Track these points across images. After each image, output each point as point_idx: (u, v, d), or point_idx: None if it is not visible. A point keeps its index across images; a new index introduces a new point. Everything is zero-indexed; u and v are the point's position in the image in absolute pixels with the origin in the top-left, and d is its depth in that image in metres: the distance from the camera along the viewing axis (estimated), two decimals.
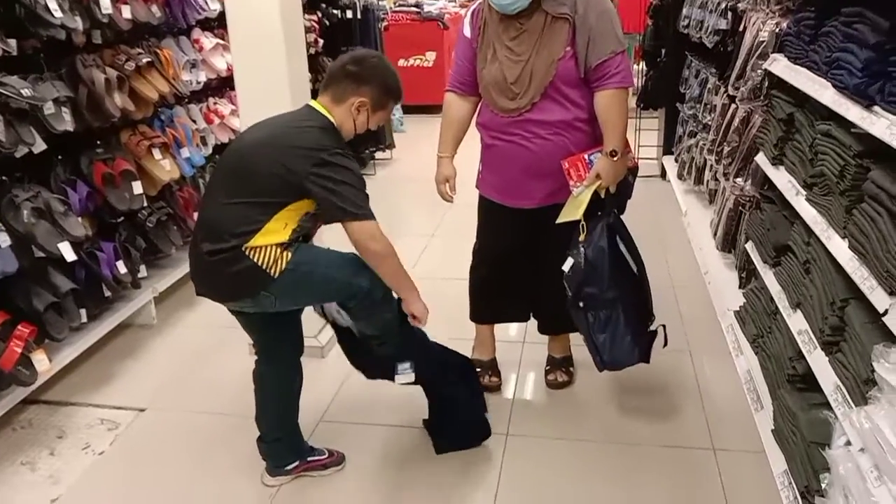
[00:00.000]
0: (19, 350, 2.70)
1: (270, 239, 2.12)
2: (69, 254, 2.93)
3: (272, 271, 2.11)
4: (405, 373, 2.44)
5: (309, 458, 2.50)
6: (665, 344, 2.70)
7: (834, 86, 2.16)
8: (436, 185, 2.78)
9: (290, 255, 2.13)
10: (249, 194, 2.12)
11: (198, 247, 2.19)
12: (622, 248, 2.59)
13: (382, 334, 2.36)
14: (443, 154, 2.76)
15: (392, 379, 2.46)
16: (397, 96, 2.34)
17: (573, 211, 2.55)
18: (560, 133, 2.55)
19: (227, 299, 2.26)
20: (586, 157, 2.54)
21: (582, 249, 2.54)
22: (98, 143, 3.38)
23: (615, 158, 2.50)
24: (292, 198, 2.12)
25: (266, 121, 2.28)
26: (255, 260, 2.10)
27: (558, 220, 2.59)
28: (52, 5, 2.92)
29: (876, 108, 1.89)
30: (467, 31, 2.64)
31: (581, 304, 2.58)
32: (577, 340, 3.04)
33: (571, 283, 2.59)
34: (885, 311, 1.71)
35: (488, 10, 2.56)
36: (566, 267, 2.59)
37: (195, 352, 3.37)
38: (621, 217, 2.65)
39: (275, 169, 2.10)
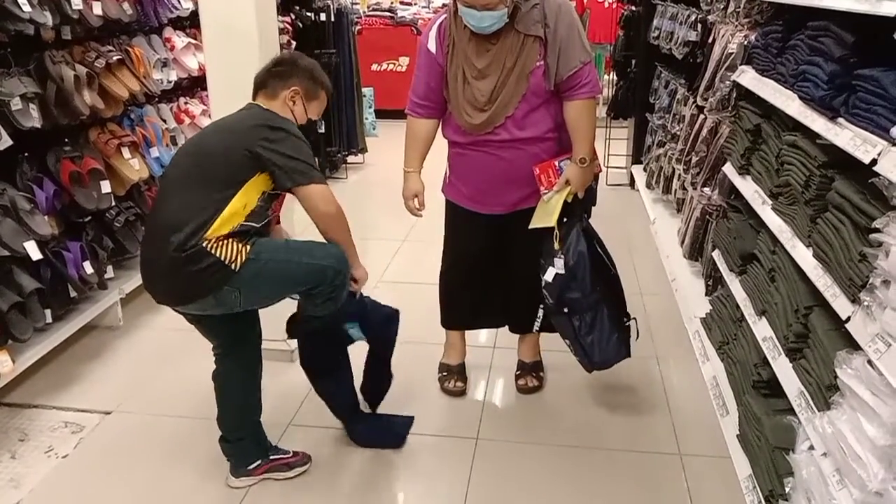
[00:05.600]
0: None
1: (231, 221, 2.13)
2: (35, 253, 2.88)
3: (234, 265, 2.12)
4: (353, 329, 2.53)
5: (272, 457, 2.49)
6: (637, 336, 2.76)
7: (800, 98, 2.21)
8: (404, 201, 2.77)
9: (249, 247, 2.16)
10: (209, 177, 2.16)
11: (154, 252, 2.18)
12: (599, 249, 2.64)
13: (334, 312, 2.38)
14: (410, 169, 2.73)
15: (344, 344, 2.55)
16: (326, 86, 2.45)
17: (546, 218, 2.59)
18: (532, 143, 2.58)
19: (190, 300, 2.21)
20: (556, 163, 2.59)
21: (561, 256, 2.57)
22: (66, 140, 3.33)
23: (584, 165, 2.56)
24: (249, 172, 2.17)
25: (212, 123, 2.40)
26: (217, 254, 2.10)
27: (531, 226, 2.62)
28: None
29: (840, 119, 1.93)
30: (432, 46, 2.58)
31: (566, 311, 2.62)
32: (546, 346, 3.07)
33: (553, 291, 2.61)
34: (848, 318, 1.75)
35: (456, 27, 2.52)
36: (548, 277, 2.61)
37: (161, 354, 3.33)
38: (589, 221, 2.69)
39: (229, 144, 2.18)
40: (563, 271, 2.56)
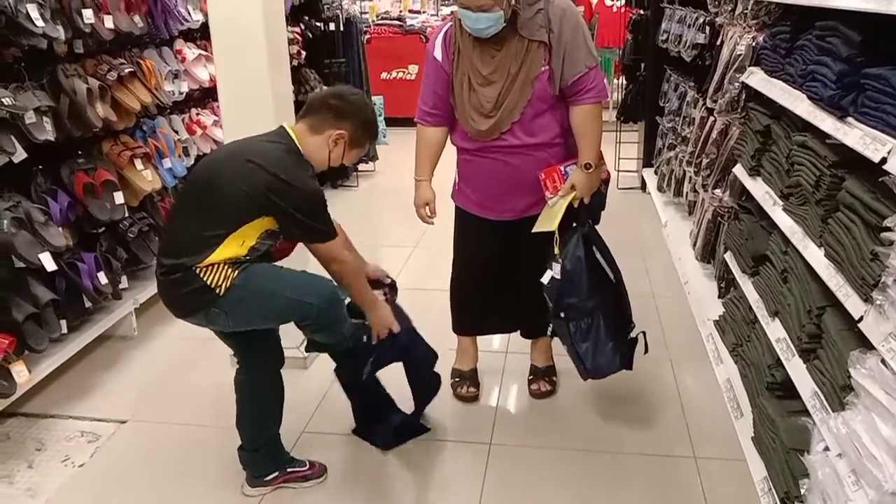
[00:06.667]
0: None
1: (225, 255, 2.13)
2: (49, 264, 2.91)
3: (219, 290, 2.13)
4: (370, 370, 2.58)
5: (289, 469, 2.49)
6: (646, 351, 2.73)
7: (809, 98, 2.21)
8: (415, 209, 2.78)
9: (237, 273, 2.15)
10: (212, 209, 2.15)
11: (156, 269, 2.24)
12: (598, 256, 2.63)
13: (337, 344, 2.43)
14: (421, 178, 2.74)
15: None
16: (374, 134, 2.41)
17: (549, 222, 2.59)
18: (540, 149, 2.58)
19: (184, 315, 2.27)
20: (562, 168, 2.59)
21: (560, 261, 2.57)
22: (79, 152, 3.37)
23: (590, 171, 2.55)
24: (251, 215, 2.15)
25: (237, 140, 2.33)
26: (205, 279, 2.12)
27: (534, 230, 2.62)
28: (35, 14, 2.92)
29: (849, 119, 1.93)
30: (438, 54, 2.59)
31: (562, 315, 2.61)
32: (559, 350, 3.06)
33: (551, 295, 2.61)
34: (861, 318, 1.74)
35: (461, 34, 2.53)
36: (545, 280, 2.61)
37: (176, 363, 3.35)
38: (596, 227, 2.69)
39: (235, 185, 2.13)
40: (559, 276, 2.56)
